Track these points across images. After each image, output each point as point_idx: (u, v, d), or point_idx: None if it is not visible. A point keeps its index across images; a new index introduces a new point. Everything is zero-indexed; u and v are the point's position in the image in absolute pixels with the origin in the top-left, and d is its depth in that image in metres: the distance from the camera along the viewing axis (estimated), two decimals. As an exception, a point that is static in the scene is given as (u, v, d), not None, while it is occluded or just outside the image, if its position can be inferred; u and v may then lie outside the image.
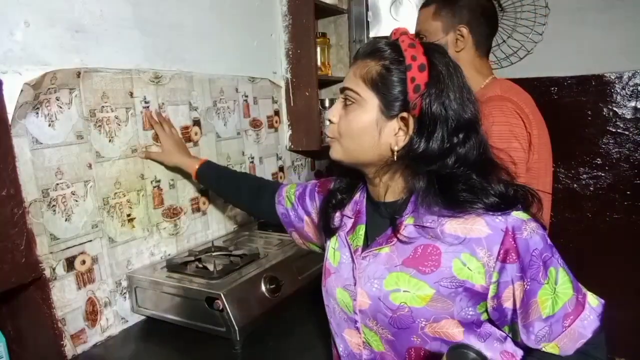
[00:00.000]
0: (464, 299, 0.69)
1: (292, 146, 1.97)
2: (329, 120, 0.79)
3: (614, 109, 2.40)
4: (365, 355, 0.80)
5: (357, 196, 0.87)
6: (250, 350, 1.14)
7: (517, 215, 0.69)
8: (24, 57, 1.04)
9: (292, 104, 1.92)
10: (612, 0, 2.27)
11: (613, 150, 2.41)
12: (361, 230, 0.82)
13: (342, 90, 0.77)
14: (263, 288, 1.22)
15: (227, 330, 1.12)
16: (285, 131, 1.96)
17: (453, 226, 0.70)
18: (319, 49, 1.93)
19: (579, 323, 0.69)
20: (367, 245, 0.80)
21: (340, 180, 0.89)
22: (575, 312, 0.69)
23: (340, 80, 2.07)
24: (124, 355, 1.20)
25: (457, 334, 0.71)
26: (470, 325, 0.72)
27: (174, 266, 1.29)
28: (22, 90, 1.02)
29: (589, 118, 2.43)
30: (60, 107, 1.12)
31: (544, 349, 0.70)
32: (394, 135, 0.73)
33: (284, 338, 1.19)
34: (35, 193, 1.06)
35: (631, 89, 2.35)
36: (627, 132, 2.38)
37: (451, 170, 0.70)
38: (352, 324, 0.80)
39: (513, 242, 0.67)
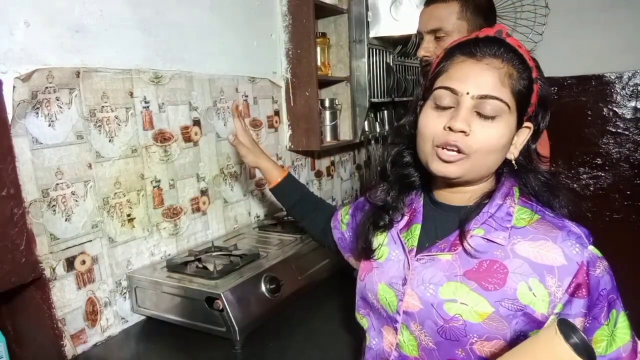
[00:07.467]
0: (520, 323, 0.67)
1: (292, 146, 1.97)
2: (454, 129, 0.67)
3: (614, 109, 2.40)
4: (394, 357, 0.78)
5: (412, 194, 0.83)
6: (250, 350, 1.14)
7: (594, 251, 0.67)
8: (24, 57, 1.04)
9: (292, 104, 1.92)
10: (612, 0, 2.27)
11: (613, 150, 2.41)
12: (416, 230, 0.79)
13: (480, 97, 0.67)
14: (263, 288, 1.22)
15: (227, 330, 1.12)
16: (285, 131, 1.96)
17: (525, 248, 0.68)
18: (319, 49, 1.93)
19: None
20: (421, 246, 0.77)
21: (387, 193, 0.83)
22: (629, 358, 0.66)
23: (340, 80, 2.06)
24: (124, 355, 1.20)
25: None
26: None
27: (174, 266, 1.29)
28: (14, 87, 1.02)
29: (589, 118, 2.43)
30: (60, 107, 1.12)
31: None
32: (512, 143, 0.73)
33: (284, 338, 1.19)
34: (35, 193, 1.06)
35: (631, 89, 2.35)
36: (627, 132, 2.38)
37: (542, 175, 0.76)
38: (392, 323, 0.78)
39: (586, 278, 0.65)
